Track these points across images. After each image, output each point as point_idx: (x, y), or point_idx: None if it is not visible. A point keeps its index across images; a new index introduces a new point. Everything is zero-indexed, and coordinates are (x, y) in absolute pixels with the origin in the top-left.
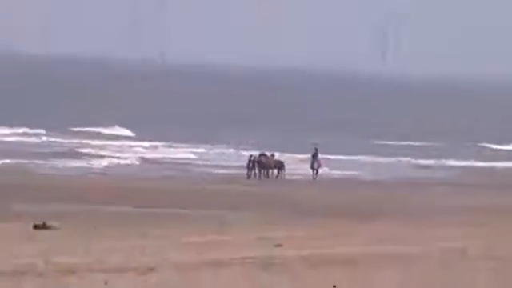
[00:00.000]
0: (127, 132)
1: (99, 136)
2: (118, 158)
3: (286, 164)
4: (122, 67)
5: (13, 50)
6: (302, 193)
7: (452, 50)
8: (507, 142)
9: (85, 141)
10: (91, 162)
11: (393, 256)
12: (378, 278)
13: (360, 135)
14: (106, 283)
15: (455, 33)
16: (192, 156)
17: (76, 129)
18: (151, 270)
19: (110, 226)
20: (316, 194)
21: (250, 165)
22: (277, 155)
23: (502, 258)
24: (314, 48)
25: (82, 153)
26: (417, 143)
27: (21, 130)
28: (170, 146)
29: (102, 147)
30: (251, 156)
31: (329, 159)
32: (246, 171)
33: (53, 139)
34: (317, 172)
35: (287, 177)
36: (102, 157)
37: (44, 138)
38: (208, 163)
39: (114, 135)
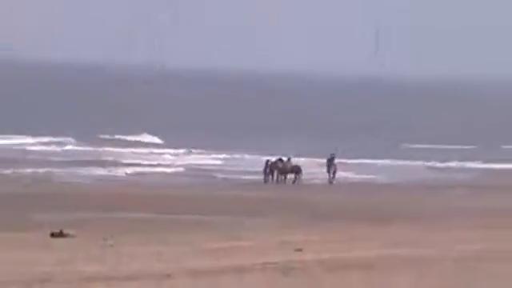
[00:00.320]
0: (156, 139)
1: (126, 144)
2: (143, 165)
3: (303, 168)
4: (137, 74)
5: (21, 56)
6: (319, 197)
7: (453, 51)
8: None
9: (111, 149)
10: (115, 170)
11: (409, 259)
12: (395, 282)
13: (377, 139)
14: None
15: (454, 33)
16: (217, 162)
17: (102, 137)
18: (168, 276)
19: (129, 232)
20: (333, 198)
21: (268, 170)
22: (294, 160)
23: None
24: (313, 52)
25: (106, 161)
26: (438, 146)
27: (46, 139)
28: (196, 153)
29: (127, 155)
30: (268, 161)
31: (346, 163)
32: (263, 176)
33: (78, 148)
34: (333, 176)
35: (305, 181)
36: (126, 165)
37: (69, 147)
38: (230, 169)
39: (141, 142)
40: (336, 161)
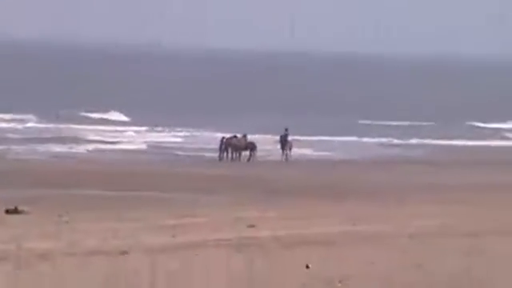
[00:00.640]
0: (122, 117)
1: (90, 121)
2: (105, 142)
3: (258, 145)
4: (117, 52)
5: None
6: (275, 174)
7: (437, 30)
8: (495, 121)
9: (74, 126)
10: (76, 147)
11: (365, 235)
12: (351, 257)
13: (336, 116)
14: (79, 266)
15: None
16: (177, 140)
17: (66, 114)
18: (124, 253)
19: (85, 209)
20: (288, 174)
21: (223, 147)
22: (250, 137)
23: (475, 234)
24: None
25: (67, 138)
26: (397, 123)
27: (7, 116)
28: (158, 131)
29: (90, 132)
30: (223, 138)
31: (300, 140)
32: (218, 154)
33: (39, 125)
34: (287, 154)
35: (260, 159)
36: (88, 142)
37: (30, 124)
38: (189, 147)
39: (106, 120)
40: (290, 138)
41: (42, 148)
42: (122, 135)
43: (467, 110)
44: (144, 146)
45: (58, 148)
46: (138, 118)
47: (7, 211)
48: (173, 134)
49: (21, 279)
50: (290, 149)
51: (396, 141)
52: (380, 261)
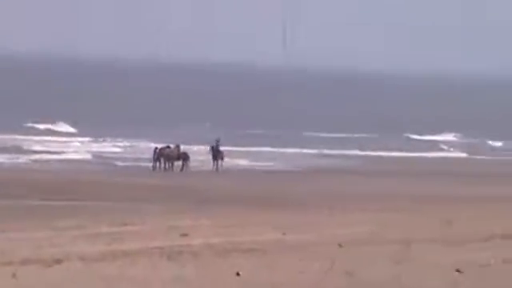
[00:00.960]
0: (69, 128)
1: (37, 132)
2: (49, 152)
3: (192, 156)
4: (89, 65)
5: None
6: (207, 183)
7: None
8: (431, 133)
9: (20, 136)
10: (20, 157)
11: (296, 244)
12: (280, 265)
13: (281, 128)
14: (13, 275)
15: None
16: (117, 150)
17: (13, 125)
18: (58, 261)
19: (21, 219)
20: (221, 184)
21: (155, 157)
22: (184, 148)
23: (404, 241)
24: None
25: (11, 147)
26: (346, 135)
27: None
28: (102, 142)
29: (36, 143)
30: (156, 148)
31: (235, 151)
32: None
33: None
34: (218, 164)
35: (193, 169)
36: (32, 152)
37: None
38: (128, 156)
39: (53, 131)
40: (222, 148)
41: None
42: (67, 145)
43: (405, 123)
44: (88, 156)
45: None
46: (84, 129)
47: None
48: (113, 144)
49: None
50: (222, 159)
51: (335, 152)
52: (309, 269)
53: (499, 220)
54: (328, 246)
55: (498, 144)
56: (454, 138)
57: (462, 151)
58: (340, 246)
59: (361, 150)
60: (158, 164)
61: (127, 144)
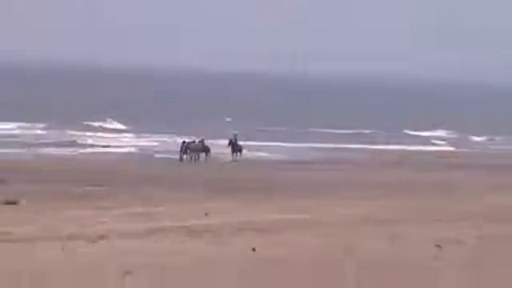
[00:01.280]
0: (119, 125)
1: (91, 128)
2: (99, 146)
3: (214, 149)
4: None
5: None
6: (227, 173)
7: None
8: (426, 129)
9: (77, 132)
10: (75, 150)
11: (300, 223)
12: (289, 241)
13: (295, 125)
14: (62, 249)
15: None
16: (155, 144)
17: (73, 122)
18: (101, 237)
19: (67, 200)
20: (239, 173)
21: (183, 149)
22: (207, 142)
23: (393, 222)
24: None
25: (68, 142)
26: (349, 131)
27: (29, 125)
28: (145, 137)
29: (90, 137)
30: (183, 142)
31: (249, 145)
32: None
33: (51, 132)
34: (237, 155)
35: (215, 160)
36: (85, 146)
37: (41, 131)
38: (164, 149)
39: (104, 128)
40: (241, 142)
41: (46, 151)
42: (116, 140)
43: (403, 121)
44: (131, 149)
45: (57, 151)
46: (130, 127)
47: (6, 202)
48: (153, 139)
49: (11, 255)
50: (240, 151)
51: (341, 145)
52: (311, 242)
53: (478, 200)
54: (328, 225)
55: (481, 139)
56: (444, 134)
57: (451, 145)
58: (338, 224)
59: (362, 143)
60: (184, 156)
61: (163, 139)
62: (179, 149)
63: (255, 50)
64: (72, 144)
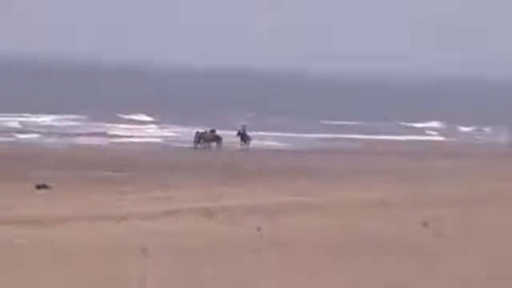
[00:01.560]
0: (146, 118)
1: (121, 120)
2: (127, 136)
3: (227, 138)
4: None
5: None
6: (238, 160)
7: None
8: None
9: (107, 124)
10: (103, 140)
11: (307, 205)
12: (296, 222)
13: (304, 117)
14: (91, 229)
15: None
16: (174, 134)
17: (104, 115)
18: (124, 218)
19: (94, 185)
20: (250, 160)
21: (196, 139)
22: (217, 132)
23: (393, 204)
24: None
25: (99, 133)
26: (351, 123)
27: (70, 116)
28: (167, 128)
29: (119, 129)
30: (197, 132)
31: (259, 134)
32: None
33: (87, 123)
34: (246, 144)
35: (226, 149)
36: (113, 136)
37: (76, 123)
38: (182, 139)
39: (134, 120)
40: (249, 133)
41: (78, 141)
42: (142, 131)
43: (400, 114)
44: (156, 140)
45: (88, 140)
46: (157, 119)
47: (38, 186)
48: (174, 130)
49: (44, 236)
50: (250, 140)
51: (342, 135)
52: (316, 223)
53: (467, 186)
54: (333, 208)
55: (468, 129)
56: (436, 125)
57: (441, 135)
58: (341, 208)
59: (362, 134)
60: (198, 145)
61: (183, 130)
62: (193, 139)
63: (255, 50)
64: (103, 135)
